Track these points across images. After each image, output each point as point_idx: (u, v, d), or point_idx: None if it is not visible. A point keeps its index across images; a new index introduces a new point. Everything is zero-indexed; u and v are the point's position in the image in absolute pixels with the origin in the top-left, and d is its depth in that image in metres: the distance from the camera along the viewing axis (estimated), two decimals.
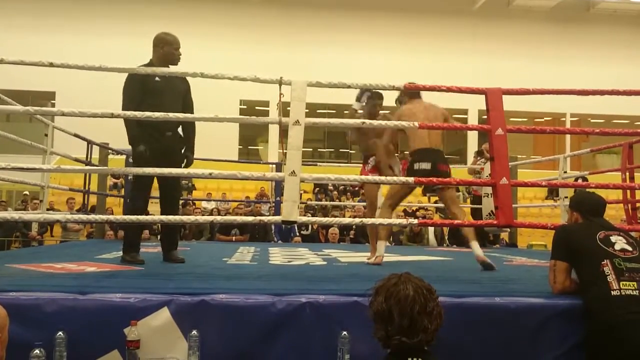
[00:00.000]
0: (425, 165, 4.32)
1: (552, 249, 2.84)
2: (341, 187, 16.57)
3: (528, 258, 5.70)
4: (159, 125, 3.90)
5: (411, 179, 3.70)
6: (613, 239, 2.67)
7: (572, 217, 2.96)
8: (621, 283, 2.49)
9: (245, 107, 19.50)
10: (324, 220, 3.86)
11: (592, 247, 2.64)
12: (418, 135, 4.40)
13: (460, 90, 3.73)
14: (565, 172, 7.64)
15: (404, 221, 3.93)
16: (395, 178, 3.77)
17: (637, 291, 2.47)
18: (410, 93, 4.64)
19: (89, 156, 7.22)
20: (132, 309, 2.42)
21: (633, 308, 2.42)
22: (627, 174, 6.00)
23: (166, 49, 4.08)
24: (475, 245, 4.29)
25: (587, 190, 3.54)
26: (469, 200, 10.55)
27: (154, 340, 2.39)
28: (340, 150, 22.13)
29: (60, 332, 2.27)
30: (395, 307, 1.86)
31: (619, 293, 2.47)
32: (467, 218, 9.12)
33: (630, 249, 2.62)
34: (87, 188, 7.30)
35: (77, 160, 6.92)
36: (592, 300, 2.57)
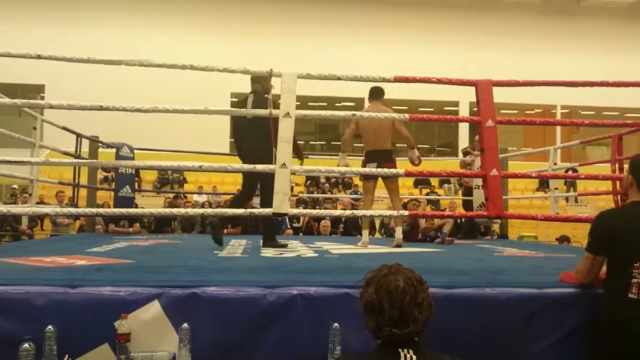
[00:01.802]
0: (373, 165, 5.37)
1: (591, 240, 2.66)
2: (333, 180, 16.58)
3: (519, 249, 5.73)
4: None
5: (402, 171, 3.70)
6: None
7: (627, 180, 2.66)
8: None
9: (236, 99, 19.45)
10: (315, 212, 3.86)
11: (631, 246, 2.46)
12: (366, 139, 5.62)
13: (450, 82, 3.73)
14: (555, 163, 7.67)
15: (394, 213, 3.94)
16: (385, 170, 3.78)
17: None
18: (371, 96, 5.68)
19: (78, 149, 7.17)
20: (122, 302, 2.41)
21: None
22: (617, 165, 6.03)
23: (265, 83, 4.78)
24: (399, 230, 5.64)
25: None
26: (460, 192, 10.59)
27: (145, 333, 2.39)
28: (332, 142, 22.14)
29: (50, 326, 2.26)
30: (386, 298, 1.86)
31: (636, 297, 2.42)
32: (459, 209, 9.19)
33: None
34: (76, 181, 7.25)
35: (66, 153, 6.87)
36: (608, 293, 2.56)
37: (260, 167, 3.53)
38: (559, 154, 14.76)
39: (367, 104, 5.93)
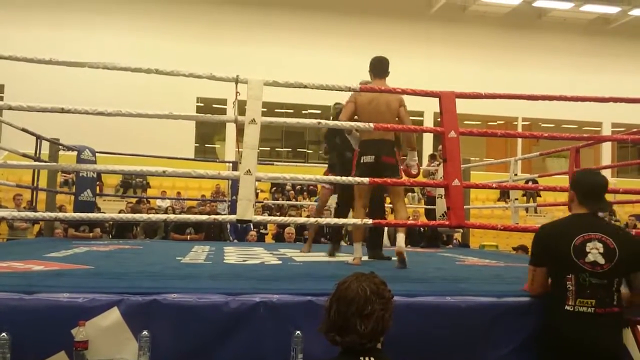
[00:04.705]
0: (369, 159, 4.39)
1: (531, 253, 2.76)
2: (298, 187, 16.58)
3: (479, 258, 5.83)
4: None
5: (366, 180, 3.72)
6: (589, 246, 2.53)
7: (570, 195, 2.77)
8: (578, 300, 2.49)
9: (202, 104, 19.29)
10: (279, 219, 3.85)
11: (563, 257, 2.54)
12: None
13: (414, 93, 3.79)
14: (515, 174, 7.84)
15: (358, 221, 3.96)
16: (350, 178, 3.79)
17: (592, 309, 2.47)
18: (375, 71, 4.56)
19: (38, 152, 7.00)
20: (80, 308, 2.36)
21: (582, 325, 2.47)
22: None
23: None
24: (400, 237, 4.34)
25: (590, 169, 3.45)
26: (423, 201, 10.72)
27: (103, 340, 2.34)
28: (298, 150, 22.14)
29: (3, 333, 2.20)
30: (335, 305, 1.91)
31: (572, 309, 2.50)
32: (421, 218, 9.30)
33: (602, 261, 2.50)
34: (35, 184, 7.07)
35: (25, 155, 6.69)
36: (549, 304, 2.64)
37: (225, 173, 3.51)
38: (519, 165, 15.10)
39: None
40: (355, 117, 4.48)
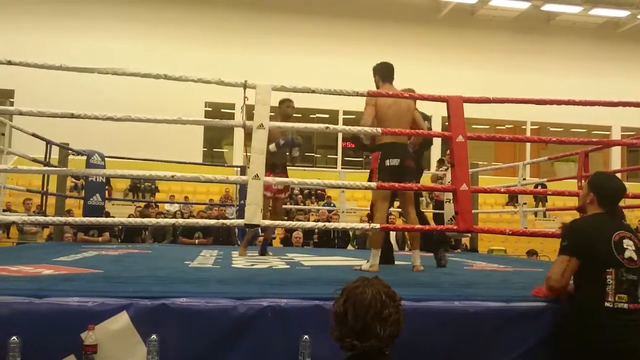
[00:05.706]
0: (395, 162, 4.32)
1: (565, 244, 2.68)
2: (306, 191, 16.60)
3: (488, 263, 5.81)
4: None
5: (373, 184, 3.73)
6: (625, 243, 2.60)
7: (588, 197, 2.78)
8: (617, 296, 2.50)
9: (210, 109, 19.36)
10: (287, 224, 3.86)
11: (605, 252, 2.57)
12: (387, 127, 4.22)
13: (422, 98, 3.79)
14: (524, 178, 7.81)
15: (366, 226, 3.96)
16: (357, 183, 3.80)
17: (627, 304, 2.50)
18: (384, 75, 4.54)
19: (48, 156, 7.05)
20: (89, 312, 2.37)
21: (620, 321, 2.48)
22: (583, 181, 6.17)
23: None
24: (416, 254, 4.48)
25: (609, 173, 3.43)
26: (431, 206, 10.70)
27: (112, 344, 2.35)
28: (306, 154, 22.15)
29: (14, 337, 2.21)
30: (351, 310, 1.88)
31: (611, 305, 2.51)
32: (429, 222, 9.27)
33: (635, 257, 2.58)
34: (45, 189, 7.12)
35: (35, 160, 6.75)
36: (584, 301, 2.60)
37: (233, 178, 3.52)
38: (528, 169, 15.06)
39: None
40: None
